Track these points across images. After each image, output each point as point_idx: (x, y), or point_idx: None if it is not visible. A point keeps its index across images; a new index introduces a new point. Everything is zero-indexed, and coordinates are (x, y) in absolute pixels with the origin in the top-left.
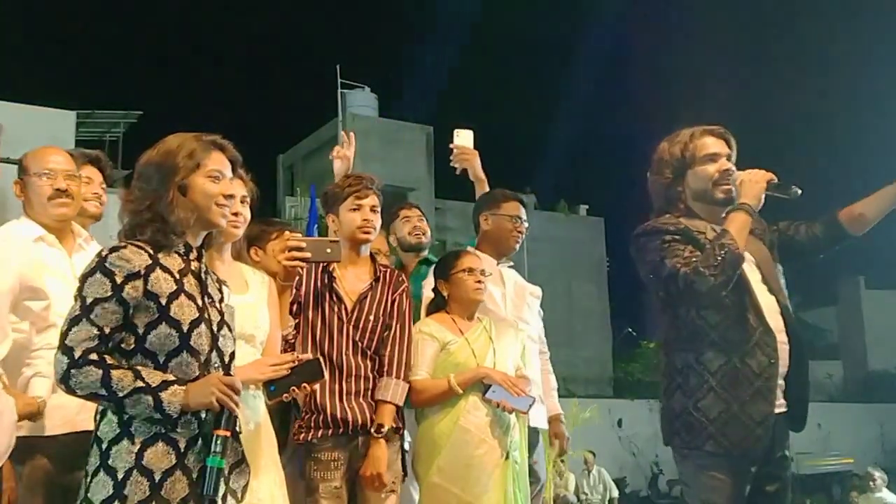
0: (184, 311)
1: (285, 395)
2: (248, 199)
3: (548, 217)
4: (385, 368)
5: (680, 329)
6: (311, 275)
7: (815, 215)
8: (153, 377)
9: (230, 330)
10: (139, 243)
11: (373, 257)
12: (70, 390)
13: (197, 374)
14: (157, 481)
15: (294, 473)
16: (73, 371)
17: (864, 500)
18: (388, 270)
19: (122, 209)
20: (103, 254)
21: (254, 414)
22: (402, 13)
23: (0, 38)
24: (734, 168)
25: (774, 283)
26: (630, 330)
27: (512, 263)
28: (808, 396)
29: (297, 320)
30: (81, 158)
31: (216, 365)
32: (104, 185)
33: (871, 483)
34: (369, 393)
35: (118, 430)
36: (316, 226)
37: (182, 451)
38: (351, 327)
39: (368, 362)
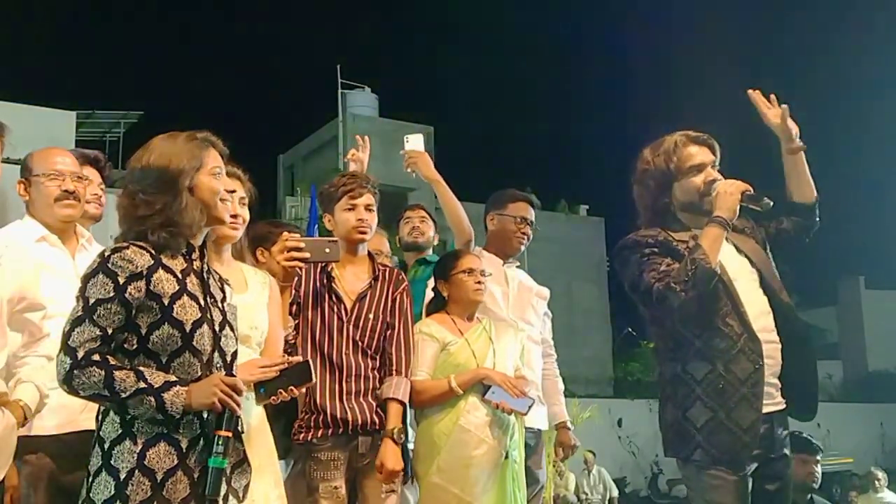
0: (186, 311)
1: (273, 397)
2: (247, 200)
3: (548, 217)
4: (391, 367)
5: (666, 340)
6: (309, 275)
7: (822, 210)
8: (156, 378)
9: (232, 329)
10: (141, 244)
11: (371, 256)
12: (73, 391)
13: (199, 374)
14: (158, 482)
15: (300, 473)
16: (75, 372)
17: (863, 499)
18: (388, 269)
19: (122, 216)
20: (105, 254)
21: (245, 415)
22: (403, 13)
23: (0, 38)
24: (720, 176)
25: (775, 283)
26: (630, 330)
27: (518, 264)
28: (815, 388)
29: (296, 321)
30: (81, 159)
31: (218, 365)
32: (103, 186)
33: (875, 482)
34: (370, 392)
35: (120, 431)
36: (316, 226)
37: (184, 451)
38: (351, 326)
39: (369, 361)
